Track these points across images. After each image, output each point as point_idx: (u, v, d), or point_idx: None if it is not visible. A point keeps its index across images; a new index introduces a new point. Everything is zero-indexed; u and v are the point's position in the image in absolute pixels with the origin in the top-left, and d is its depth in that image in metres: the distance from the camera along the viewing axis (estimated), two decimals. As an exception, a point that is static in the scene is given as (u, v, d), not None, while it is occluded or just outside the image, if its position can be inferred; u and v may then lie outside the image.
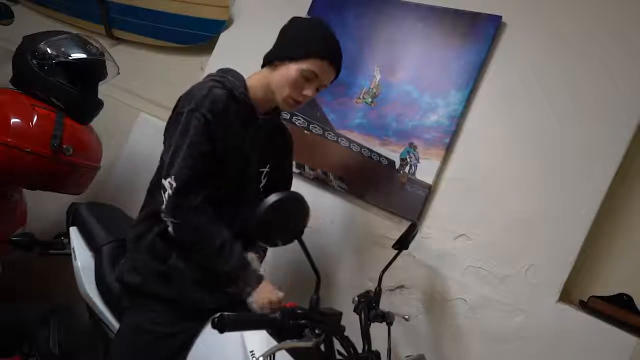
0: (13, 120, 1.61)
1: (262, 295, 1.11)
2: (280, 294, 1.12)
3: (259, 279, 1.14)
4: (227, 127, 1.20)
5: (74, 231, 1.59)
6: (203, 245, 1.15)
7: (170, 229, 1.15)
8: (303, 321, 0.93)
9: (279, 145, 1.42)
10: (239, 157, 1.25)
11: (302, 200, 0.90)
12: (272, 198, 0.85)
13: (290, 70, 1.22)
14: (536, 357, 1.35)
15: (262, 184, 1.36)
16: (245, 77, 1.29)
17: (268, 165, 1.36)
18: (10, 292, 1.82)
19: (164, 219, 1.15)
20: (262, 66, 1.32)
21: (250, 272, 1.15)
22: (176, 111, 1.21)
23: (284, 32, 1.30)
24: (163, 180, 1.15)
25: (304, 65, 1.21)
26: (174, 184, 1.12)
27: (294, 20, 1.30)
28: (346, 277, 1.67)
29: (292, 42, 1.26)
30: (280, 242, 0.91)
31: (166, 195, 1.13)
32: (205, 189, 1.16)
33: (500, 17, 1.56)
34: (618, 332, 1.26)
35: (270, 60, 1.28)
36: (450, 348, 1.48)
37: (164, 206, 1.14)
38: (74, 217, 1.64)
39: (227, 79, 1.24)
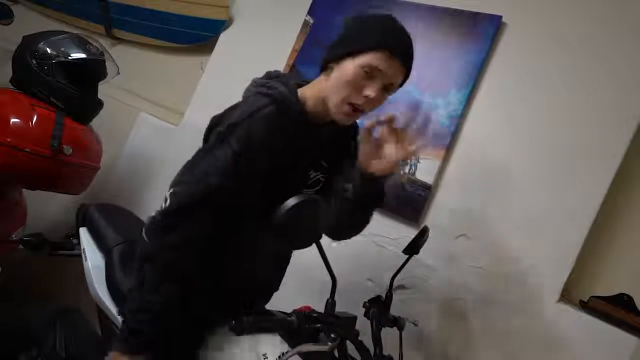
0: (13, 120, 1.61)
1: None
2: None
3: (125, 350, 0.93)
4: (274, 150, 1.01)
5: (83, 232, 1.57)
6: (143, 287, 0.94)
7: (142, 234, 1.00)
8: (318, 325, 0.92)
9: (341, 150, 1.20)
10: (287, 174, 1.06)
11: (319, 203, 0.86)
12: (290, 202, 0.82)
13: (347, 68, 1.00)
14: (536, 357, 1.35)
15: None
16: (251, 78, 1.14)
17: (320, 174, 1.16)
18: (11, 293, 1.82)
19: (144, 235, 0.98)
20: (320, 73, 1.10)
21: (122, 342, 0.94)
22: (216, 125, 1.04)
23: (343, 29, 1.09)
24: (168, 189, 0.99)
25: (363, 59, 0.98)
26: (168, 203, 0.95)
27: (355, 16, 1.10)
28: (345, 278, 1.66)
29: (350, 37, 1.04)
30: (300, 247, 0.90)
31: (161, 208, 0.97)
32: (199, 224, 0.96)
33: (500, 17, 1.56)
34: (618, 332, 1.26)
35: (325, 63, 1.06)
36: (450, 348, 1.48)
37: (153, 216, 0.98)
38: (83, 217, 1.61)
39: (274, 88, 1.04)
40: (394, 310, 1.30)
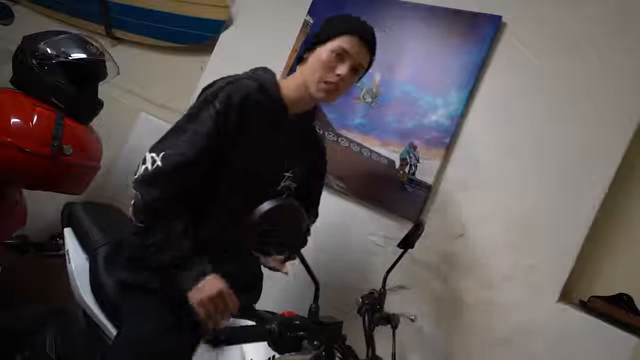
0: (13, 120, 1.61)
1: (199, 294, 1.00)
2: (224, 290, 1.01)
3: (198, 276, 1.02)
4: (248, 119, 1.14)
5: (68, 232, 1.53)
6: (151, 242, 1.06)
7: (133, 201, 1.08)
8: (301, 332, 0.88)
9: (308, 153, 1.34)
10: (257, 153, 1.18)
11: (297, 208, 0.84)
12: (266, 206, 0.80)
13: (321, 53, 1.16)
14: (536, 357, 1.35)
15: (278, 188, 1.28)
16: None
17: (291, 171, 1.28)
18: (10, 293, 1.82)
19: (134, 190, 1.07)
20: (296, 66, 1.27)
21: (189, 270, 1.03)
22: (203, 92, 1.19)
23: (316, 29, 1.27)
24: (147, 153, 1.09)
25: (334, 43, 1.15)
26: (159, 164, 1.06)
27: (326, 18, 1.27)
28: (345, 278, 1.67)
29: (321, 30, 1.22)
30: (275, 252, 0.87)
31: (143, 168, 1.07)
32: (187, 183, 1.10)
33: (500, 17, 1.56)
34: (618, 332, 1.26)
35: (301, 55, 1.24)
36: (449, 348, 1.48)
37: (136, 176, 1.08)
38: (68, 217, 1.57)
39: (258, 74, 1.22)
40: (394, 310, 1.30)
